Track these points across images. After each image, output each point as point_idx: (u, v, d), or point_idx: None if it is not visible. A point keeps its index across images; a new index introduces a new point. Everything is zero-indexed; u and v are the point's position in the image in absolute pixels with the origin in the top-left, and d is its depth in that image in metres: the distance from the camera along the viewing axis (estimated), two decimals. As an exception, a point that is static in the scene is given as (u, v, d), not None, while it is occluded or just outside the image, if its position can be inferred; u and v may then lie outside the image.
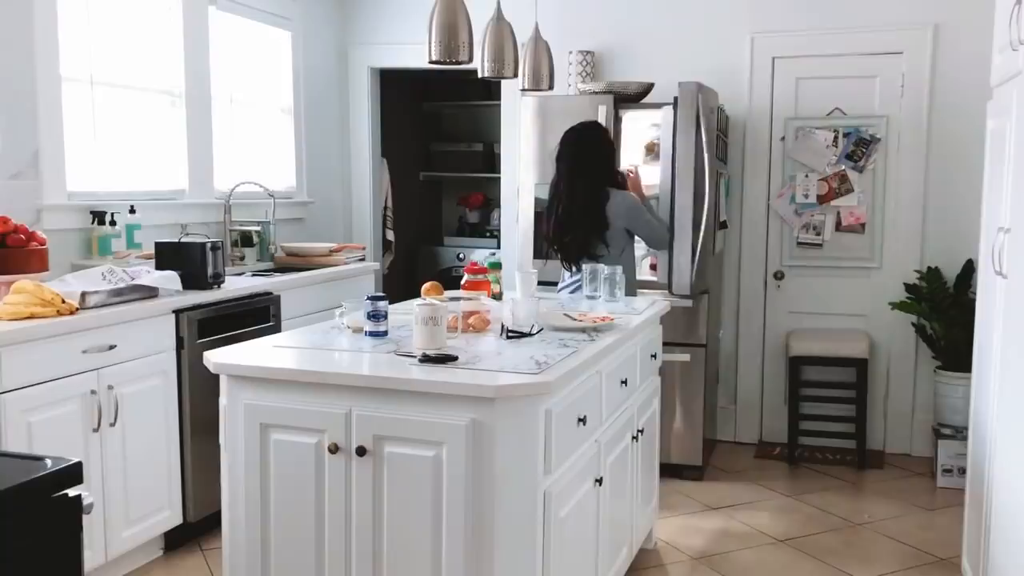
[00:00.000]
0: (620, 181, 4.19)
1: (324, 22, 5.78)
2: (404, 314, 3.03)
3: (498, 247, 6.28)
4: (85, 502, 1.65)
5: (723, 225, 5.01)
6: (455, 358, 2.50)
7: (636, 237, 4.18)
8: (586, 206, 4.01)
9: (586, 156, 4.06)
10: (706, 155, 4.42)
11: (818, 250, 5.18)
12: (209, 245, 3.84)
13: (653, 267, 4.72)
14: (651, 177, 4.60)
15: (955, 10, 4.84)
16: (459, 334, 2.88)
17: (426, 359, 2.50)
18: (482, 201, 7.38)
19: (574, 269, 4.07)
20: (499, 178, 5.85)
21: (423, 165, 7.44)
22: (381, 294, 2.88)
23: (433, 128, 7.59)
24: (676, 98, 4.36)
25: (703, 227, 4.44)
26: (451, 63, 3.05)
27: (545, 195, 4.82)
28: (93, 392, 3.23)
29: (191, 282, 3.73)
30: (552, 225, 4.12)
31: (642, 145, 4.75)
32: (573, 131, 4.14)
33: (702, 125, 4.39)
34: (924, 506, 4.36)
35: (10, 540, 1.51)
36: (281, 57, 5.42)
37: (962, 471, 4.27)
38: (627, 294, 4.00)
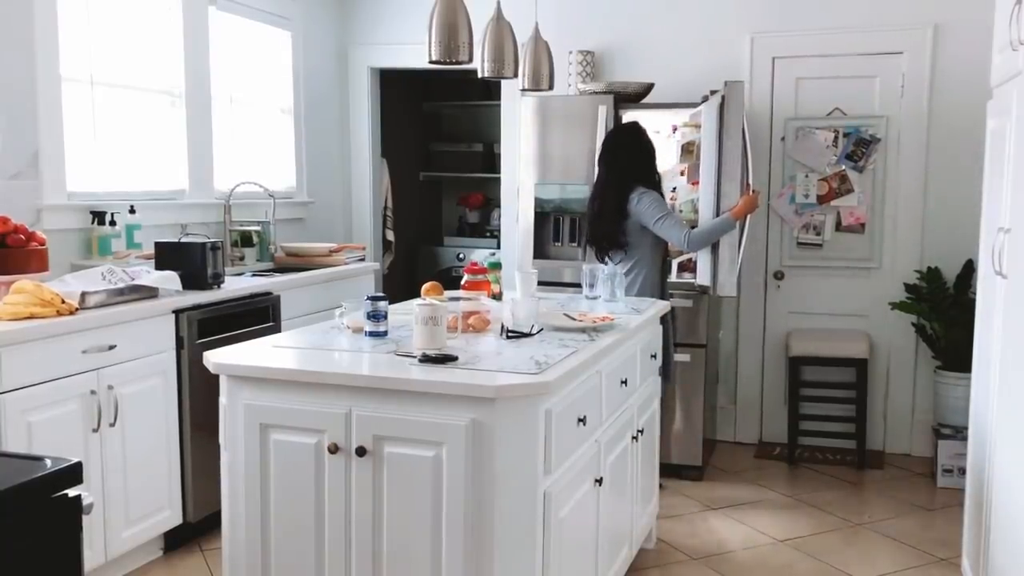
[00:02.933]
0: (658, 180, 4.34)
1: (324, 22, 5.78)
2: (404, 314, 3.03)
3: (498, 247, 6.28)
4: (85, 502, 1.65)
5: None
6: (455, 358, 2.50)
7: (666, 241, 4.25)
8: (613, 198, 4.19)
9: (620, 154, 4.24)
10: (750, 153, 4.43)
11: (818, 250, 5.18)
12: (209, 245, 3.84)
13: (685, 269, 4.72)
14: (691, 176, 4.63)
15: (955, 10, 4.83)
16: (459, 334, 2.88)
17: (426, 359, 2.50)
18: (482, 201, 7.38)
19: (607, 260, 4.23)
20: (499, 178, 5.85)
21: (423, 165, 7.43)
22: (381, 294, 2.88)
23: (433, 128, 7.58)
24: (724, 97, 4.29)
25: (747, 226, 4.43)
26: (451, 63, 3.05)
27: (545, 195, 4.87)
28: (93, 392, 3.23)
29: (191, 282, 3.73)
30: (588, 218, 4.36)
31: (678, 146, 4.76)
32: (611, 132, 4.45)
33: (745, 124, 4.37)
34: (924, 506, 4.36)
35: (10, 540, 1.51)
36: (281, 57, 5.42)
37: (962, 471, 4.27)
38: (648, 295, 4.02)
